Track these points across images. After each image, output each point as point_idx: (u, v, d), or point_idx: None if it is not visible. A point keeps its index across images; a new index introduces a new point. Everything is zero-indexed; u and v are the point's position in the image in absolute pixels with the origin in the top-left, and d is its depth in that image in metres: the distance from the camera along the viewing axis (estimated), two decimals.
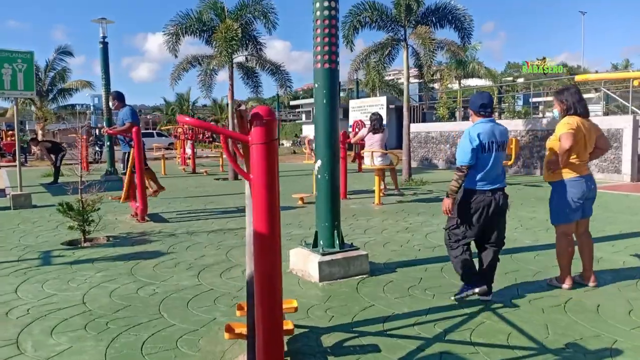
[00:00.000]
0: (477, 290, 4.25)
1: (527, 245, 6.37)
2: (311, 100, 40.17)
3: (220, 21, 14.61)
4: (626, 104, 16.18)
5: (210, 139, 24.71)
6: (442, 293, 4.53)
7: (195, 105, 58.55)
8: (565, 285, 4.63)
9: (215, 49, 14.87)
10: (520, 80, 43.45)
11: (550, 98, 37.08)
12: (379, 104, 21.17)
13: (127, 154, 8.32)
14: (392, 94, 28.00)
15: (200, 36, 14.86)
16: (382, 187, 10.81)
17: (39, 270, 5.43)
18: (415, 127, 19.69)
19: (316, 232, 5.13)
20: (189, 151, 21.91)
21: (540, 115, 32.94)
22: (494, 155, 4.18)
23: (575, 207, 4.60)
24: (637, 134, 13.06)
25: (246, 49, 15.46)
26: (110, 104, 8.55)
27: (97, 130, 32.23)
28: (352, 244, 5.32)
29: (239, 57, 15.44)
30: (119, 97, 8.44)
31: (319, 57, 4.88)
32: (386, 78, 28.48)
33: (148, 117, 77.19)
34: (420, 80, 33.20)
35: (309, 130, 40.99)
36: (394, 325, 3.81)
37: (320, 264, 4.79)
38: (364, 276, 5.02)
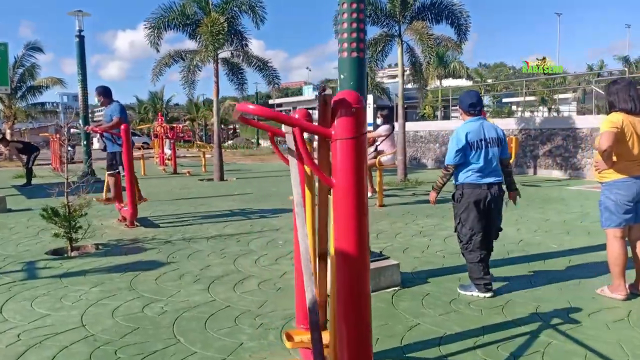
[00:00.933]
0: (481, 295, 4.30)
1: (554, 250, 5.98)
2: (292, 99, 39.22)
3: (205, 14, 13.98)
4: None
5: (190, 138, 23.91)
6: (489, 308, 4.07)
7: (168, 104, 57.36)
8: (620, 296, 4.22)
9: (199, 44, 14.22)
10: (489, 80, 43.60)
11: (530, 98, 37.35)
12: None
13: (119, 154, 7.62)
14: (374, 93, 27.60)
15: (183, 30, 14.18)
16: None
17: (25, 285, 4.78)
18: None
19: None
20: (167, 151, 21.14)
21: (519, 114, 33.07)
22: (484, 151, 4.35)
23: (624, 210, 4.22)
24: None
25: (231, 45, 14.84)
26: (96, 99, 7.86)
27: (65, 129, 31.02)
28: (381, 252, 4.83)
29: (224, 53, 14.81)
30: (105, 93, 7.76)
31: (345, 44, 4.37)
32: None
33: None
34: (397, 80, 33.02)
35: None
36: (451, 348, 3.33)
37: None
38: (396, 288, 4.53)
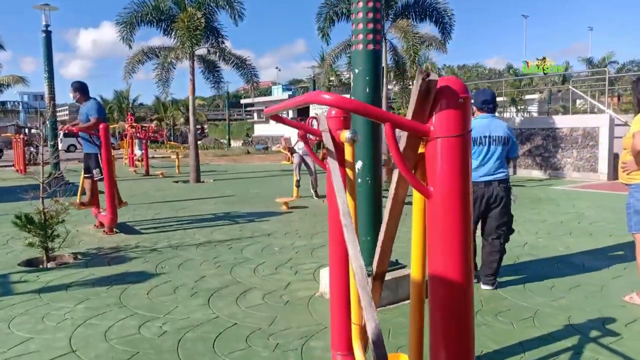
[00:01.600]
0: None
1: (563, 253, 5.76)
2: (265, 99, 38.80)
3: (180, 10, 13.43)
4: (596, 103, 16.11)
5: (162, 139, 23.30)
6: (519, 320, 3.78)
7: (134, 103, 55.94)
8: None
9: (175, 40, 13.68)
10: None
11: (499, 98, 37.78)
12: None
13: (98, 156, 7.05)
14: (348, 93, 27.42)
15: (157, 26, 13.60)
16: None
17: (0, 302, 4.26)
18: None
19: None
20: (137, 152, 20.42)
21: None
22: (486, 148, 4.39)
23: None
24: (613, 133, 12.99)
25: (207, 42, 14.33)
26: (71, 96, 7.28)
27: (27, 130, 29.85)
28: (397, 260, 4.50)
29: (200, 50, 14.28)
30: (82, 89, 7.21)
31: (360, 36, 4.04)
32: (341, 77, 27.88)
33: None
34: None
35: (261, 130, 39.79)
36: None
37: None
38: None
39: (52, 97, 13.84)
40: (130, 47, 13.43)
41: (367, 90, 4.05)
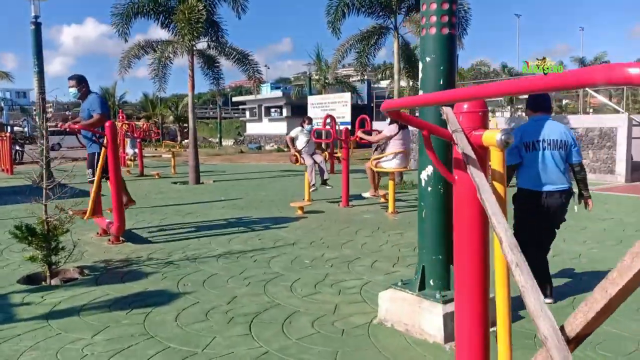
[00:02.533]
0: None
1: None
2: (260, 97, 37.95)
3: (179, 1, 12.72)
4: (609, 103, 15.66)
5: (158, 137, 22.63)
6: (625, 355, 3.21)
7: (120, 101, 54.73)
8: None
9: (173, 33, 12.97)
10: None
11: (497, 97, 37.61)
12: (342, 100, 19.96)
13: (97, 155, 6.41)
14: (345, 92, 26.83)
15: (155, 18, 12.87)
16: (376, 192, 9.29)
17: (1, 331, 3.59)
18: (377, 126, 18.52)
19: (422, 267, 3.66)
20: (129, 151, 19.62)
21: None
22: (541, 153, 3.96)
23: None
24: (631, 134, 12.56)
25: (206, 35, 13.64)
26: (72, 90, 6.57)
27: (8, 127, 28.86)
28: None
29: (200, 44, 13.60)
30: (85, 82, 6.53)
31: (433, 18, 3.44)
32: (336, 75, 27.30)
33: (67, 113, 71.75)
34: (366, 78, 32.34)
35: (253, 128, 39.01)
36: None
37: (446, 317, 3.33)
38: (494, 328, 3.62)
39: (43, 93, 13.06)
40: (126, 40, 12.73)
41: (441, 82, 3.45)
